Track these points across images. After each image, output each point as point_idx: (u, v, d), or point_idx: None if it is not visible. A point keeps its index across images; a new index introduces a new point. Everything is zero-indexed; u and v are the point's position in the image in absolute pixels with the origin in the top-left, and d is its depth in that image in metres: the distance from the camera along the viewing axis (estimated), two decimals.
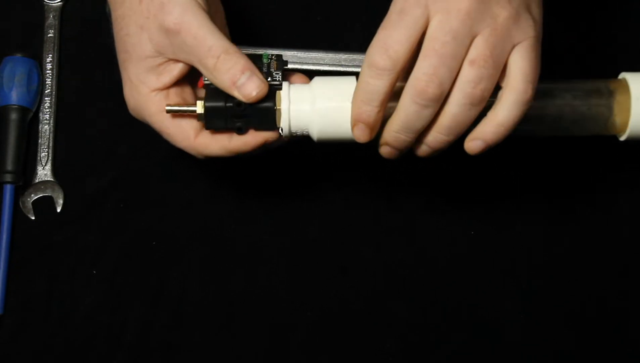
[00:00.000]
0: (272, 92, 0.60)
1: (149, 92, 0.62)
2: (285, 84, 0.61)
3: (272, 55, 0.62)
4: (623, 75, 0.62)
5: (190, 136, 0.62)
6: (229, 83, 0.60)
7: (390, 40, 0.56)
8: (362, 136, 0.59)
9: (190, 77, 0.63)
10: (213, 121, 0.61)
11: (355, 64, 0.77)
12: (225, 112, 0.60)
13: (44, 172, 0.76)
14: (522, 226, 0.77)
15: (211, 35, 0.60)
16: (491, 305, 0.75)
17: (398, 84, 0.58)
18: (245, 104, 0.59)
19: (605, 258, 0.76)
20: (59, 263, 0.75)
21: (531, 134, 0.64)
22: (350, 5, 0.80)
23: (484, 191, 0.77)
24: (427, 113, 0.57)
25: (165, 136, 0.63)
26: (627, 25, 0.82)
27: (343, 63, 0.78)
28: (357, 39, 0.79)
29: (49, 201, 0.76)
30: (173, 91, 0.62)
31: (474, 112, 0.57)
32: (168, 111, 0.61)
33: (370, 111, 0.58)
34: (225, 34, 0.68)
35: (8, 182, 0.75)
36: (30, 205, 0.76)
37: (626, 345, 0.74)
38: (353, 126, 0.59)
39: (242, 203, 0.76)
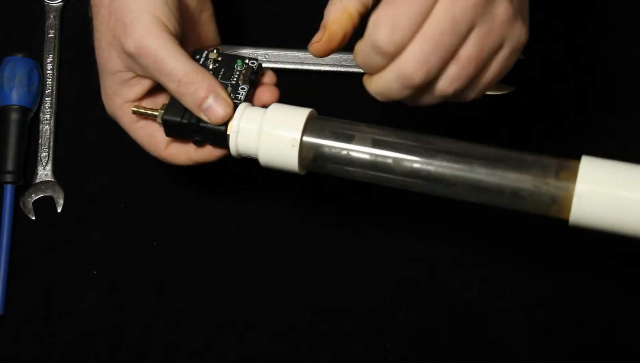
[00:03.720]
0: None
1: (122, 104, 0.64)
2: (241, 106, 0.62)
3: (247, 62, 0.64)
4: (582, 159, 0.57)
5: (161, 148, 0.65)
6: (194, 107, 0.61)
7: (399, 21, 0.55)
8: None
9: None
10: (172, 132, 0.64)
11: (355, 64, 0.77)
12: (182, 127, 0.62)
13: (44, 172, 0.76)
14: (522, 226, 0.76)
15: (172, 58, 0.60)
16: (491, 305, 0.74)
17: None
18: (198, 123, 0.62)
19: (606, 259, 0.76)
20: (59, 263, 0.75)
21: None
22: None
23: None
24: (406, 93, 0.57)
25: (139, 144, 0.66)
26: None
27: (343, 63, 0.78)
28: (357, 39, 0.79)
29: (49, 201, 0.76)
30: (145, 102, 0.65)
31: (440, 101, 0.58)
32: (134, 112, 0.64)
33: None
34: (211, 31, 0.68)
35: (8, 182, 0.75)
36: (30, 205, 0.76)
37: (626, 346, 0.74)
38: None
39: (242, 203, 0.76)
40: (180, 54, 0.61)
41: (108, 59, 0.63)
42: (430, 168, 0.59)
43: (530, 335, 0.74)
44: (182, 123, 0.62)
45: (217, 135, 0.62)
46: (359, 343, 0.74)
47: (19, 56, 0.77)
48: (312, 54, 0.61)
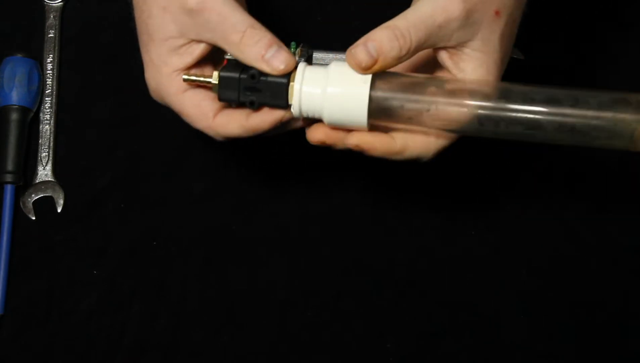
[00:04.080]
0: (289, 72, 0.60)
1: (170, 73, 0.62)
2: (301, 65, 0.60)
3: (301, 44, 0.62)
4: None
5: (209, 117, 0.62)
6: (256, 56, 0.59)
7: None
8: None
9: (212, 59, 0.63)
10: (226, 92, 0.60)
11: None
12: (238, 84, 0.60)
13: (44, 172, 0.76)
14: (523, 225, 0.77)
15: (235, 11, 0.60)
16: (491, 305, 0.74)
17: None
18: (259, 77, 0.59)
19: (606, 258, 0.76)
20: (60, 263, 0.75)
21: (541, 141, 0.60)
22: (351, 5, 0.80)
23: (485, 191, 0.77)
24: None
25: (185, 116, 0.62)
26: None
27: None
28: (357, 38, 0.79)
29: (49, 201, 0.76)
30: (193, 71, 0.62)
31: None
32: (185, 80, 0.61)
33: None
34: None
35: (9, 182, 0.75)
36: (30, 205, 0.76)
37: (626, 346, 0.74)
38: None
39: (242, 203, 0.76)
40: (240, 8, 0.60)
41: (160, 26, 0.61)
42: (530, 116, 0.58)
43: (531, 335, 0.74)
44: (241, 78, 0.59)
45: (279, 89, 0.59)
46: (359, 343, 0.74)
47: (19, 56, 0.77)
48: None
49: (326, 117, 0.59)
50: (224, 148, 0.77)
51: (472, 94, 0.58)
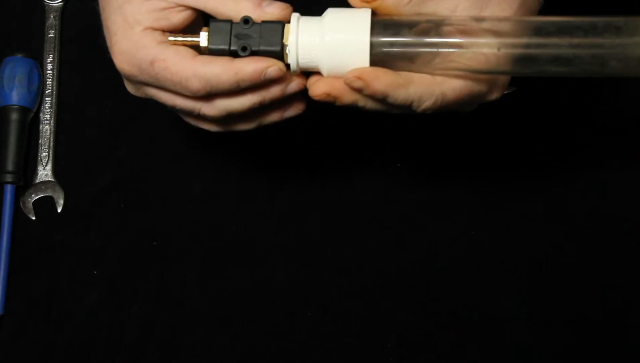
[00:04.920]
0: (281, 22, 0.56)
1: (143, 29, 0.58)
2: (294, 15, 0.57)
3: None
4: None
5: (188, 57, 0.57)
6: (254, 4, 0.56)
7: None
8: None
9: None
10: (216, 39, 0.56)
11: None
12: (230, 30, 0.56)
13: (44, 172, 0.76)
14: (523, 226, 0.76)
15: None
16: (492, 305, 0.74)
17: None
18: (252, 22, 0.56)
19: (606, 259, 0.76)
20: (60, 263, 0.75)
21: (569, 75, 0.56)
22: (350, 5, 0.80)
23: (485, 191, 0.77)
24: None
25: (160, 63, 0.57)
26: None
27: None
28: None
29: (49, 202, 0.76)
30: (168, 33, 0.58)
31: None
32: (172, 43, 0.57)
33: None
34: None
35: (9, 182, 0.75)
36: (30, 205, 0.76)
37: (627, 346, 0.74)
38: None
39: (242, 203, 0.76)
40: None
41: None
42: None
43: (531, 335, 0.74)
44: (233, 24, 0.56)
45: (273, 32, 0.56)
46: (359, 343, 0.74)
47: (19, 56, 0.77)
48: None
49: (325, 65, 0.56)
50: (224, 148, 0.77)
51: (486, 31, 0.55)
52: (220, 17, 0.57)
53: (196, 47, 0.57)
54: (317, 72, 0.57)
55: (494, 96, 0.59)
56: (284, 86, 0.57)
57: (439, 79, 0.56)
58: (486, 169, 0.77)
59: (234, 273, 0.75)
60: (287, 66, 0.57)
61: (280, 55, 0.56)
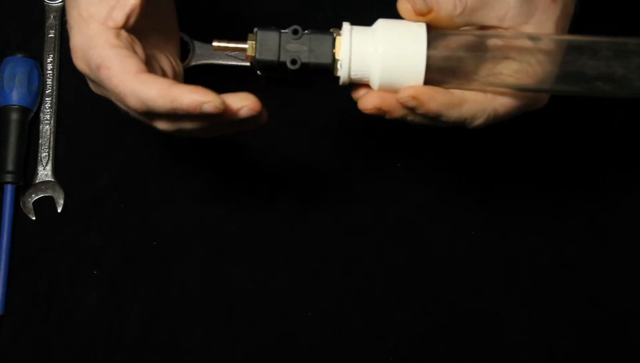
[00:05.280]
0: (331, 31, 0.55)
1: (98, 26, 0.56)
2: (346, 24, 0.55)
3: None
4: None
5: (131, 71, 0.55)
6: None
7: None
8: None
9: (142, 33, 0.59)
10: (264, 51, 0.54)
11: None
12: (279, 41, 0.54)
13: (44, 172, 0.76)
14: (523, 226, 0.76)
15: None
16: (492, 305, 0.74)
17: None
18: (302, 31, 0.54)
19: (607, 259, 0.76)
20: (60, 263, 0.75)
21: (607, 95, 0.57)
22: (351, 5, 0.80)
23: (485, 191, 0.77)
24: None
25: (105, 71, 0.56)
26: None
27: None
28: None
29: (49, 202, 0.76)
30: (124, 34, 0.57)
31: None
32: (216, 48, 0.56)
33: None
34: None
35: (9, 182, 0.75)
36: (30, 205, 0.76)
37: (627, 347, 0.74)
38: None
39: (243, 203, 0.76)
40: None
41: None
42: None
43: (531, 335, 0.74)
44: (281, 33, 0.54)
45: (324, 44, 0.54)
46: (359, 343, 0.74)
47: (19, 56, 0.77)
48: None
49: (378, 78, 0.55)
50: (224, 147, 0.77)
51: (535, 46, 0.55)
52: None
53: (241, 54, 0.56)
54: (365, 84, 0.56)
55: (540, 106, 0.59)
56: (231, 114, 0.55)
57: (490, 96, 0.56)
58: (486, 169, 0.77)
59: (234, 273, 0.75)
60: (337, 78, 0.55)
61: (331, 68, 0.55)
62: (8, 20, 0.80)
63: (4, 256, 0.74)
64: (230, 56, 0.77)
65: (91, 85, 0.61)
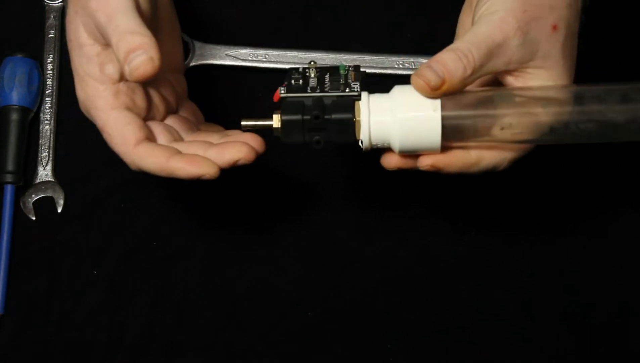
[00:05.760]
0: (350, 103, 0.58)
1: (96, 85, 0.60)
2: (364, 95, 0.59)
3: (350, 66, 0.62)
4: None
5: (130, 143, 0.59)
6: (123, 57, 0.57)
7: None
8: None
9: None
10: (290, 135, 0.59)
11: (355, 64, 0.77)
12: (302, 126, 0.58)
13: (44, 172, 0.76)
14: (523, 226, 0.76)
15: (123, 14, 0.58)
16: (492, 305, 0.74)
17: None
18: (322, 116, 0.58)
19: (606, 260, 0.76)
20: (60, 264, 0.75)
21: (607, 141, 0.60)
22: (350, 5, 0.80)
23: (485, 191, 0.77)
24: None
25: (106, 135, 0.60)
26: None
27: (344, 63, 0.78)
28: (357, 39, 0.79)
29: (49, 202, 0.76)
30: (122, 89, 0.60)
31: None
32: (244, 127, 0.60)
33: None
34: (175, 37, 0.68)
35: (9, 182, 0.75)
36: (31, 205, 0.76)
37: (626, 347, 0.74)
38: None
39: (242, 203, 0.76)
40: (133, 13, 0.58)
41: (74, 31, 0.60)
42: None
43: (531, 335, 0.74)
44: (304, 120, 0.58)
45: (345, 125, 0.58)
46: (359, 343, 0.74)
47: (19, 56, 0.77)
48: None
49: (398, 145, 0.58)
50: None
51: (543, 101, 0.58)
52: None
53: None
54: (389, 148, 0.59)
55: None
56: (227, 167, 0.60)
57: (507, 146, 0.60)
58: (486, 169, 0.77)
59: (234, 273, 0.75)
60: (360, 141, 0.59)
61: (354, 141, 0.59)
62: (8, 20, 0.80)
63: (4, 256, 0.74)
64: (230, 56, 0.78)
65: None
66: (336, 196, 0.77)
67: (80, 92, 0.61)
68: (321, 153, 0.76)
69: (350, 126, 0.58)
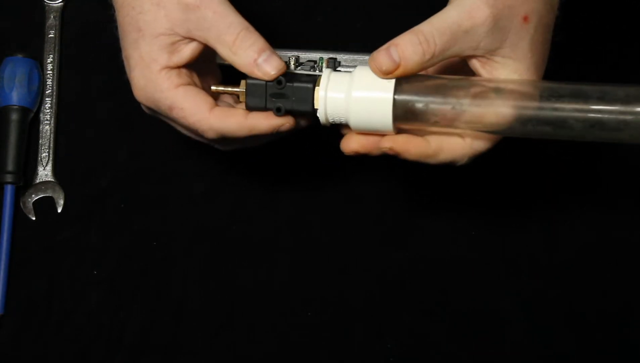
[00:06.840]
0: (313, 77, 0.60)
1: (160, 70, 0.61)
2: (326, 71, 0.61)
3: (328, 58, 0.63)
4: None
5: (205, 109, 0.61)
6: (249, 60, 0.60)
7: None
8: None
9: (200, 68, 0.64)
10: (253, 99, 0.61)
11: (355, 64, 0.77)
12: (265, 91, 0.60)
13: (44, 172, 0.76)
14: (523, 226, 0.76)
15: (231, 12, 0.60)
16: (492, 305, 0.74)
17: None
18: (285, 83, 0.60)
19: (606, 259, 0.76)
20: (60, 264, 0.75)
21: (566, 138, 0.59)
22: (350, 5, 0.80)
23: (485, 191, 0.77)
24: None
25: (178, 110, 0.61)
26: None
27: (343, 63, 0.78)
28: (357, 39, 0.79)
29: (49, 202, 0.76)
30: (184, 71, 0.62)
31: None
32: (214, 91, 0.62)
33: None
34: None
35: (9, 182, 0.75)
36: (31, 205, 0.76)
37: (626, 347, 0.74)
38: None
39: (242, 203, 0.76)
40: (235, 10, 0.61)
41: (152, 21, 0.61)
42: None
43: (531, 335, 0.74)
44: (267, 85, 0.60)
45: (305, 95, 0.60)
46: (359, 343, 0.74)
47: (19, 56, 0.77)
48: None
49: (352, 122, 0.59)
50: None
51: (498, 92, 0.57)
52: (219, 51, 0.61)
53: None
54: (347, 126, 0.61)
55: None
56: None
57: (468, 141, 0.60)
58: (486, 169, 0.77)
59: (234, 273, 0.75)
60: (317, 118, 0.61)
61: (312, 114, 0.60)
62: (8, 20, 0.80)
63: (4, 256, 0.74)
64: None
65: (146, 109, 0.64)
66: (336, 197, 0.77)
67: (141, 79, 0.62)
68: (321, 153, 0.76)
69: (310, 94, 0.60)
